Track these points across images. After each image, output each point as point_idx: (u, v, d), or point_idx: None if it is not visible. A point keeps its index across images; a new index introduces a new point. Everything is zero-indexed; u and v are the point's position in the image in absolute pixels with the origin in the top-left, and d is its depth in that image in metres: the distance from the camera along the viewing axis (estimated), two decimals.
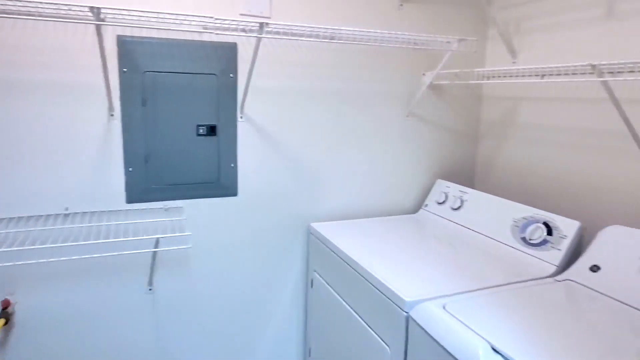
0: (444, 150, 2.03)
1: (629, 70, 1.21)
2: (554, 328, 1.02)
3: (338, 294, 1.55)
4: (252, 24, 1.47)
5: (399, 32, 1.58)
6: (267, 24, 1.35)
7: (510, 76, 1.70)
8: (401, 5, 1.82)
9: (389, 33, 1.55)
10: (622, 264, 1.21)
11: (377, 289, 1.29)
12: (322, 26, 1.48)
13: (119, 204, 1.55)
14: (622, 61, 1.19)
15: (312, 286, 1.79)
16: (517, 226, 1.53)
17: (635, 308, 1.11)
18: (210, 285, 1.74)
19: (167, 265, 1.66)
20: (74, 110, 1.45)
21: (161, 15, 1.30)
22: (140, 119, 1.53)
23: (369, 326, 1.34)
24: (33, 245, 1.34)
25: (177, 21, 1.36)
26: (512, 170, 1.89)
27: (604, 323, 1.05)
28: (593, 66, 1.25)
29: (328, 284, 1.63)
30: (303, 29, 1.50)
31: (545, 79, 1.57)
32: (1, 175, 1.41)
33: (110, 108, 1.49)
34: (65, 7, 1.21)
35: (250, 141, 1.69)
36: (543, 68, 1.47)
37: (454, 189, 1.86)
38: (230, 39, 1.58)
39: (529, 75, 1.65)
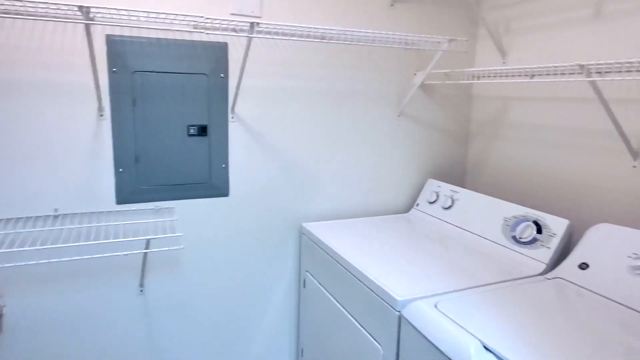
0: (435, 150, 2.04)
1: (617, 70, 1.22)
2: (545, 326, 1.03)
3: (330, 294, 1.55)
4: (243, 24, 1.47)
5: (389, 32, 1.58)
6: (257, 23, 1.35)
7: (500, 76, 1.71)
8: (392, 5, 1.83)
9: (380, 33, 1.55)
10: (610, 261, 1.23)
11: (369, 288, 1.29)
12: (313, 26, 1.48)
13: (109, 205, 1.54)
14: (610, 61, 1.20)
15: (304, 286, 1.79)
16: (508, 225, 1.54)
17: (624, 305, 1.13)
18: (202, 286, 1.73)
19: (158, 266, 1.65)
20: (62, 110, 1.43)
21: (151, 15, 1.29)
22: (130, 119, 1.52)
23: (361, 326, 1.35)
24: (22, 247, 1.32)
25: (167, 20, 1.36)
26: (503, 170, 1.90)
27: (593, 320, 1.06)
28: (581, 66, 1.27)
29: (320, 283, 1.63)
30: (294, 28, 1.50)
31: (535, 79, 1.58)
32: None
33: (100, 108, 1.47)
34: (54, 6, 1.19)
35: (241, 141, 1.69)
36: (532, 68, 1.48)
37: (445, 189, 1.87)
38: (220, 39, 1.58)
39: (519, 75, 1.66)
